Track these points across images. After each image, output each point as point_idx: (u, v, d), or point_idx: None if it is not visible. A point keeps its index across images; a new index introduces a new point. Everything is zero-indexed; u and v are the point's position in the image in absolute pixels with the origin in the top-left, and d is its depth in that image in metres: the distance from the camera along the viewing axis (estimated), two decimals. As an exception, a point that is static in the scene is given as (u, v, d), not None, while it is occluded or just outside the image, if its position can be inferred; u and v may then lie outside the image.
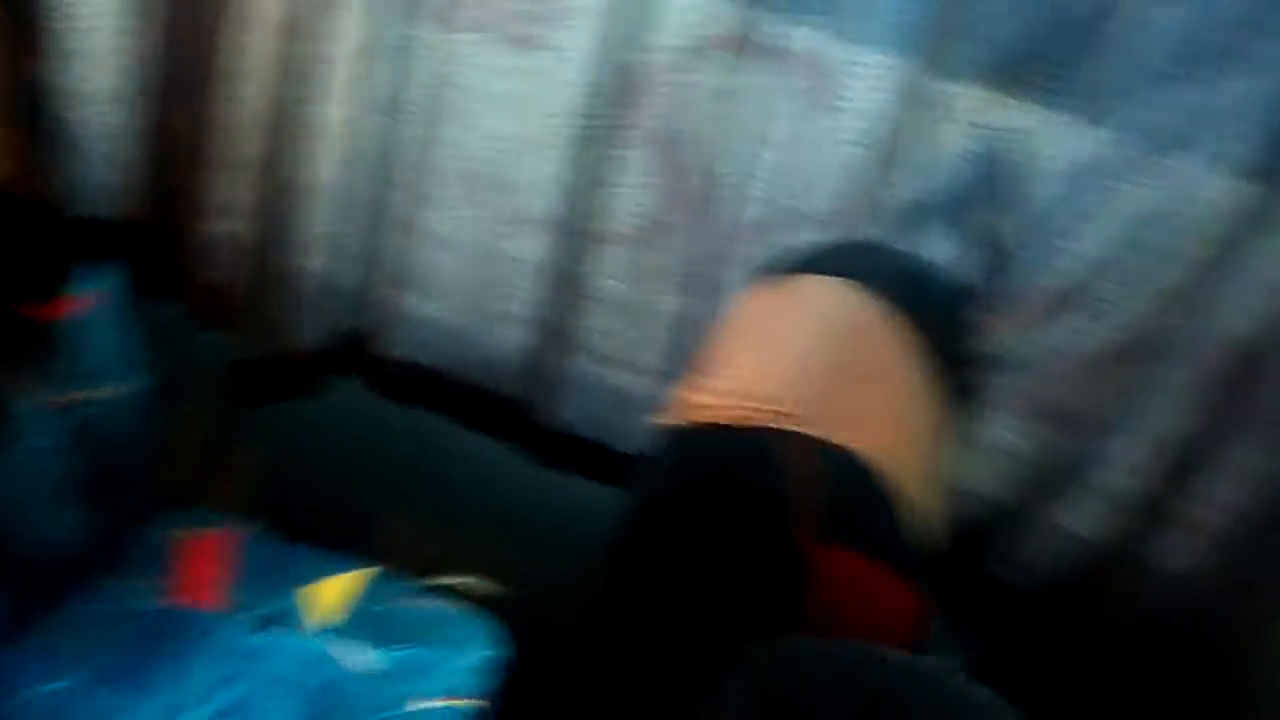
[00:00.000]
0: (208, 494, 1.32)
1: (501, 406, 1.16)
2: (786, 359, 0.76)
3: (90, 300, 1.13)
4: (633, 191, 1.05)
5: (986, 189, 0.97)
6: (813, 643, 0.55)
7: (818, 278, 0.86)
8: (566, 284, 1.10)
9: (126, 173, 1.11)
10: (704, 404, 0.74)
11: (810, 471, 0.68)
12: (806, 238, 1.01)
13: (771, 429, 0.70)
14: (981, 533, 1.04)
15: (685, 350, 1.08)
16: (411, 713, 1.11)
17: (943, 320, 0.90)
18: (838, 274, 0.86)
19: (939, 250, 0.98)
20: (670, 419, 0.74)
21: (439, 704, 1.12)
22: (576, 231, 1.07)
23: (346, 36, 1.04)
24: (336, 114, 1.06)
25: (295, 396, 1.20)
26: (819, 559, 0.65)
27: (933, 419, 0.82)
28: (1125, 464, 1.01)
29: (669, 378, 1.09)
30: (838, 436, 0.70)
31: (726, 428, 0.71)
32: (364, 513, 1.32)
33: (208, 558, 1.22)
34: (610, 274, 1.09)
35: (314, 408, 1.23)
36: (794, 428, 0.70)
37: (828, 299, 0.84)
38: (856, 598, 0.64)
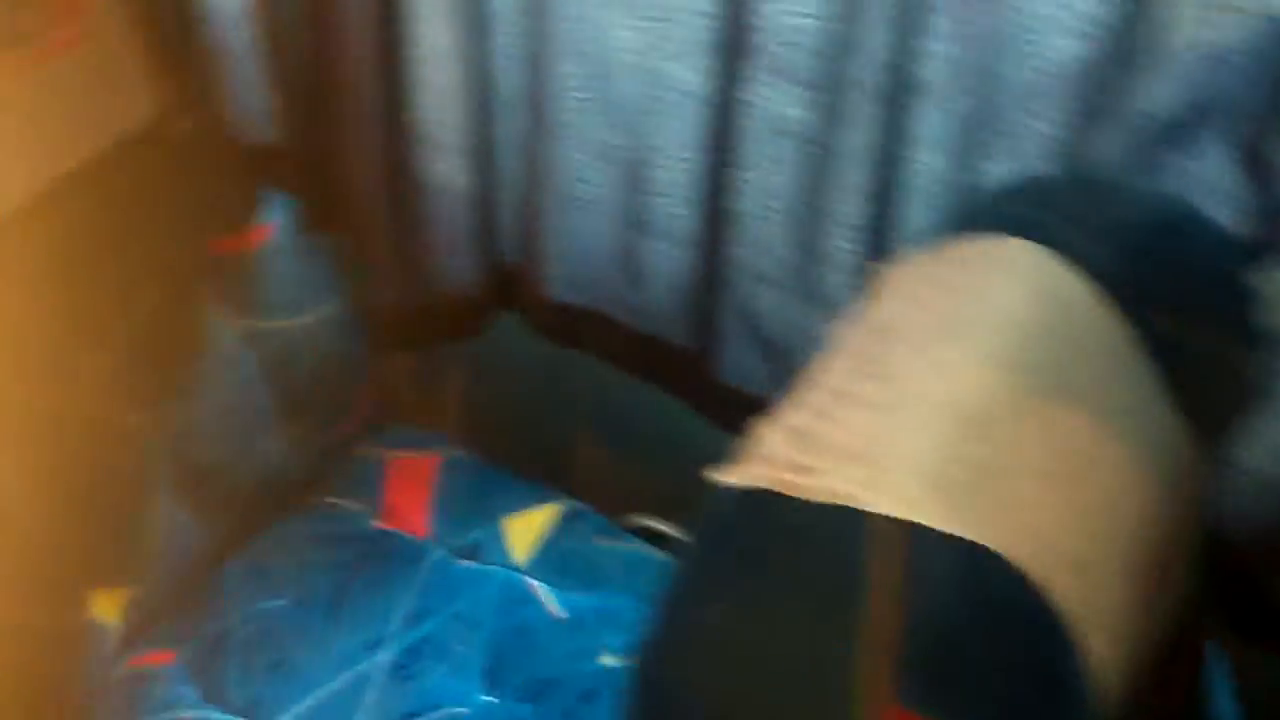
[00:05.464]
0: (414, 416, 1.29)
1: (663, 353, 0.99)
2: (924, 390, 0.53)
3: (270, 230, 1.10)
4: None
5: (1269, 95, 0.62)
6: None
7: (997, 239, 0.60)
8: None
9: (279, 97, 1.03)
10: (783, 457, 0.54)
11: (910, 579, 0.47)
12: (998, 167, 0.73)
13: (864, 511, 0.49)
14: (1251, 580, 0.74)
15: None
16: (603, 668, 1.04)
17: (1203, 294, 0.61)
18: (1029, 231, 0.59)
19: (1195, 185, 0.66)
20: (735, 470, 0.55)
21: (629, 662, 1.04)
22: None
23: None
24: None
25: (449, 338, 1.11)
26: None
27: (1169, 474, 0.55)
28: None
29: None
30: (979, 524, 0.48)
31: (801, 501, 0.51)
32: (554, 444, 1.24)
33: (415, 480, 1.20)
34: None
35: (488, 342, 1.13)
36: (897, 510, 0.48)
37: (1005, 277, 0.58)
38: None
